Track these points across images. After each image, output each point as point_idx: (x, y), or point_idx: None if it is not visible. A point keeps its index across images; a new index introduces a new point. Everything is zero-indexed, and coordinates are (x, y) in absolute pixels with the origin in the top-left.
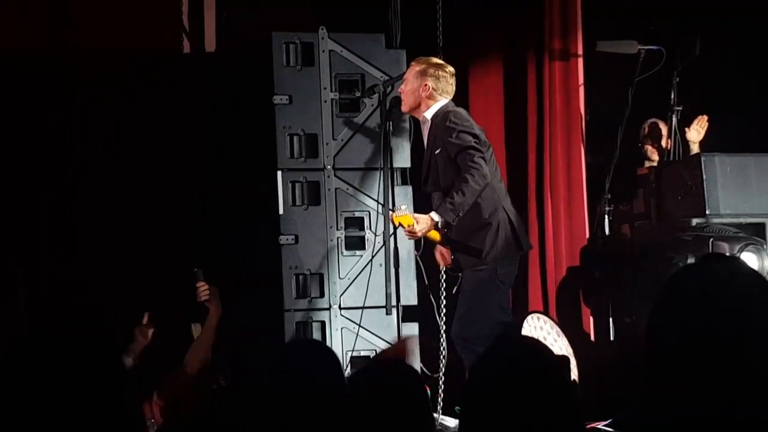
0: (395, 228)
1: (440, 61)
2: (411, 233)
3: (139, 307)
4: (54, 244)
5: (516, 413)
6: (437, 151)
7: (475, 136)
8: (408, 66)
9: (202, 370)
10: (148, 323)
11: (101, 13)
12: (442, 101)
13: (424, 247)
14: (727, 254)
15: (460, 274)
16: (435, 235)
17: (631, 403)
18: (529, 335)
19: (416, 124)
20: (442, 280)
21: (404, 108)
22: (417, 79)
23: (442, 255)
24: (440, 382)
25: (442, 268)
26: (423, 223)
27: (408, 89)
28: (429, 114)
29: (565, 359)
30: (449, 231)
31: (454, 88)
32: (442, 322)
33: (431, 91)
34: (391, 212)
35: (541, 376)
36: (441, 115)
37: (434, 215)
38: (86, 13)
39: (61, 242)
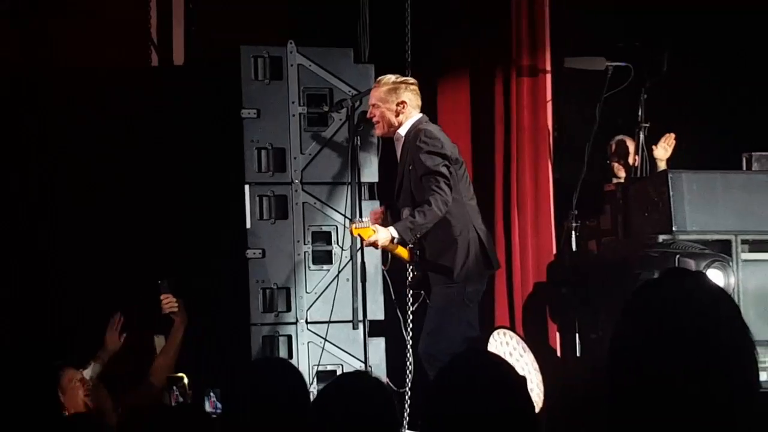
0: (362, 242)
1: (403, 77)
2: (371, 245)
3: (105, 314)
4: (19, 255)
5: (473, 429)
6: (410, 167)
7: (444, 157)
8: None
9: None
10: (118, 328)
11: (67, 24)
12: (415, 116)
13: (391, 262)
14: (692, 269)
15: (422, 292)
16: (403, 252)
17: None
18: (494, 351)
19: (385, 139)
20: (409, 295)
21: (379, 131)
22: (390, 97)
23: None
24: (406, 397)
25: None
26: (382, 233)
27: (381, 111)
28: (403, 130)
29: (524, 378)
30: (416, 247)
31: (420, 103)
32: (409, 337)
33: (407, 107)
34: (351, 224)
35: (501, 394)
36: (414, 132)
37: (393, 231)
38: (52, 26)
39: (27, 254)
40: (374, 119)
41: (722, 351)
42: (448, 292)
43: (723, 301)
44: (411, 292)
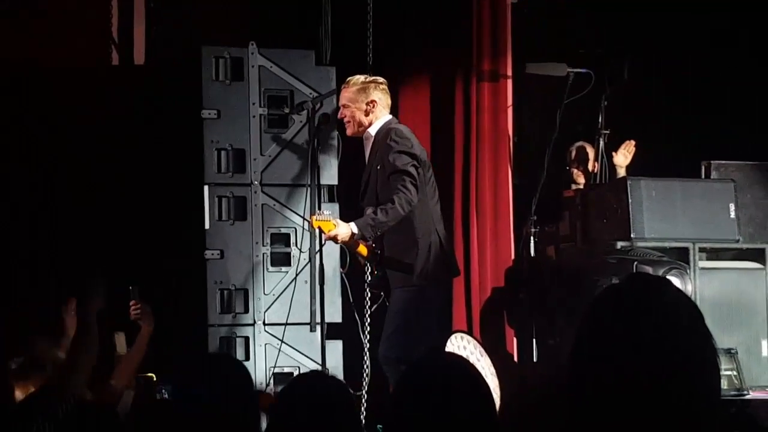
0: (321, 241)
1: (373, 77)
2: (331, 239)
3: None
4: None
5: (438, 429)
6: (378, 167)
7: (413, 157)
8: (337, 85)
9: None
10: (73, 311)
11: (28, 24)
12: (385, 116)
13: (349, 265)
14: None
15: (381, 293)
16: (362, 249)
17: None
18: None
19: (345, 141)
20: (367, 298)
21: (350, 131)
22: (360, 96)
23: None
24: (363, 400)
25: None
26: (343, 228)
27: (351, 111)
28: (373, 130)
29: (483, 378)
30: (377, 246)
31: (390, 102)
32: (366, 340)
33: (377, 106)
34: (311, 216)
35: (463, 395)
36: (384, 132)
37: (353, 226)
38: (12, 22)
39: None
40: (345, 119)
41: (685, 357)
42: (407, 295)
43: (686, 306)
44: (369, 292)
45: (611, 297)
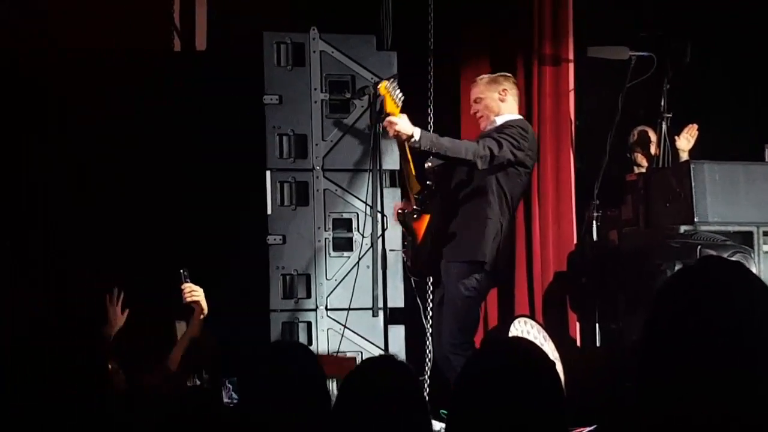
0: (383, 226)
1: (504, 73)
2: (390, 123)
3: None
4: (38, 239)
5: (504, 416)
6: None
7: (519, 148)
8: (399, 70)
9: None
10: (119, 303)
11: (91, 11)
12: (515, 113)
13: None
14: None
15: (429, 278)
16: (415, 183)
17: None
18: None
19: None
20: (429, 283)
21: (483, 125)
22: (491, 87)
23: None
24: (425, 385)
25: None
26: (405, 123)
27: (484, 103)
28: (500, 120)
29: (553, 362)
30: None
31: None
32: (429, 325)
33: (507, 96)
34: (382, 81)
35: (532, 378)
36: (515, 121)
37: (417, 131)
38: (75, 12)
39: (45, 237)
40: (477, 114)
41: (761, 342)
42: (462, 275)
43: (761, 290)
44: (431, 279)
45: (684, 280)
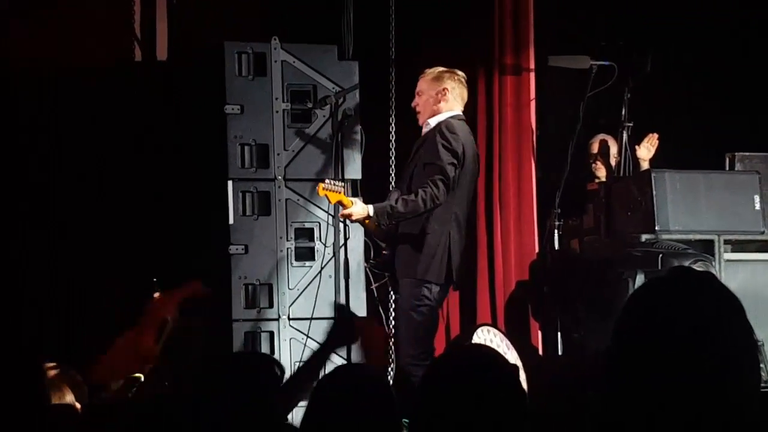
0: (345, 236)
1: (452, 69)
2: (344, 216)
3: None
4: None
5: (466, 419)
6: (418, 153)
7: (455, 155)
8: (360, 80)
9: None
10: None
11: (50, 21)
12: (455, 110)
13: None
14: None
15: (386, 274)
16: (372, 226)
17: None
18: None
19: (368, 136)
20: (391, 292)
21: (421, 120)
22: (433, 84)
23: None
24: None
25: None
26: (359, 208)
27: (423, 100)
28: (434, 121)
29: (516, 367)
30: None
31: (466, 97)
32: (391, 334)
33: (448, 96)
34: (320, 183)
35: (493, 382)
36: (442, 124)
37: (371, 209)
38: (33, 23)
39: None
40: (417, 108)
41: (728, 351)
42: (413, 290)
43: (729, 300)
44: (370, 271)
45: (653, 290)
